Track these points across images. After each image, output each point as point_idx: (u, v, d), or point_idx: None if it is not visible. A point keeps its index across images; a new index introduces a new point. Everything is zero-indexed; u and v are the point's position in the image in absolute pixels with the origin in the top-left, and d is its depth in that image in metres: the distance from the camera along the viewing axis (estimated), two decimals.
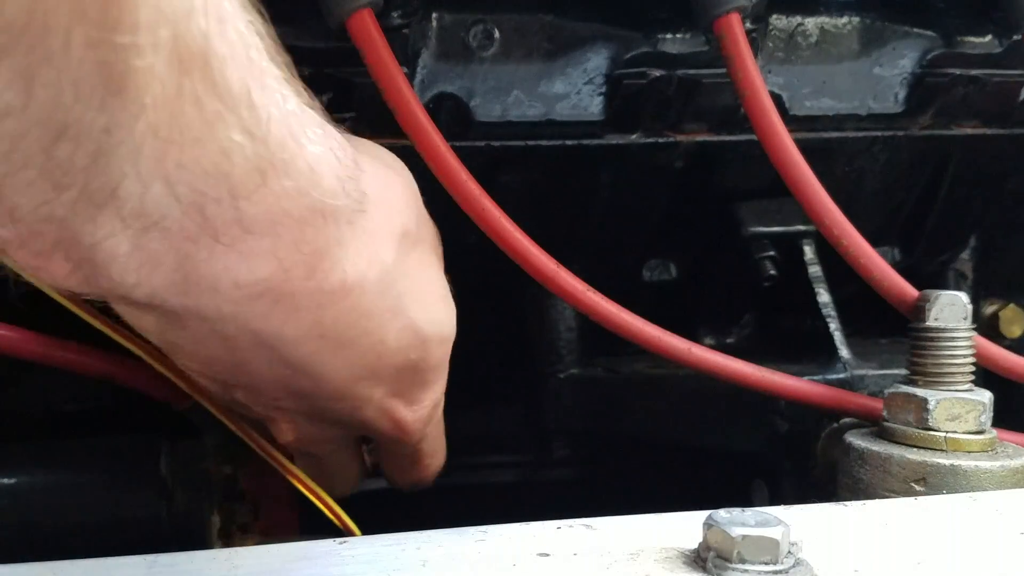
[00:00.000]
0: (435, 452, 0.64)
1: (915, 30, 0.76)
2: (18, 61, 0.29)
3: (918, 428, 0.58)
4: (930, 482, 0.56)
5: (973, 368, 0.61)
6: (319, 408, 0.53)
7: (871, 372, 0.70)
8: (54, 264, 0.37)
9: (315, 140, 0.40)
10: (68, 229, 0.35)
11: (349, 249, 0.44)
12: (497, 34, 0.69)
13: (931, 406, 0.58)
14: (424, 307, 0.52)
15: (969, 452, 0.57)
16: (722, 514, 0.39)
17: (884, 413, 0.61)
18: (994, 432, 0.59)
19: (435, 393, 0.56)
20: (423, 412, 0.56)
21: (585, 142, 0.72)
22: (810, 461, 0.68)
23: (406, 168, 0.54)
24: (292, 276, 0.42)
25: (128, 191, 0.34)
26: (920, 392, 0.59)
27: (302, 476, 0.61)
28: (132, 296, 0.39)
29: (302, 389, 0.50)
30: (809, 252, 0.77)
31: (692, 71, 0.71)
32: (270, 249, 0.40)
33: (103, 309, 0.54)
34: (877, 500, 0.52)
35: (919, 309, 0.62)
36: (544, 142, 0.71)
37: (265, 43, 0.37)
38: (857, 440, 0.60)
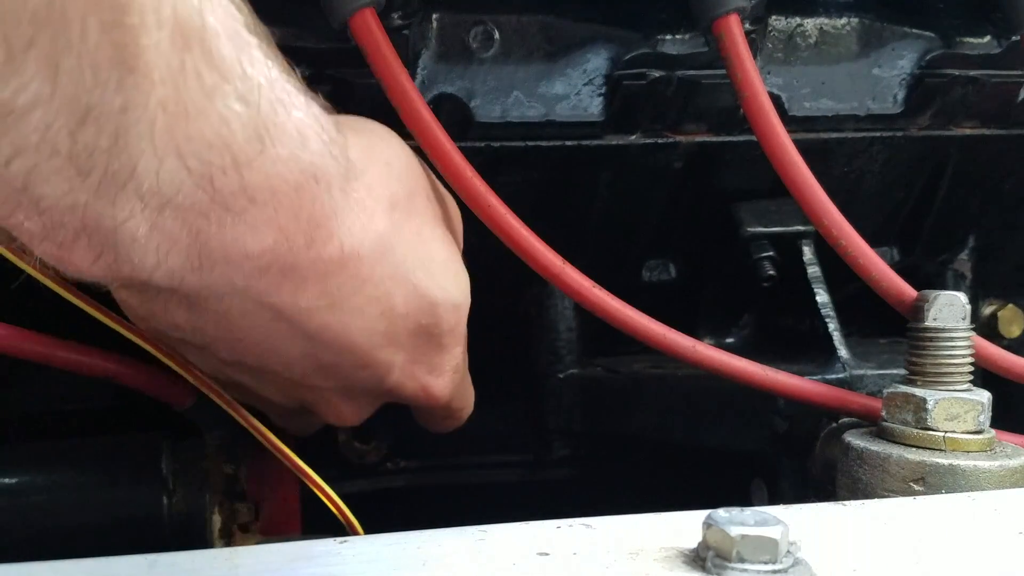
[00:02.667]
0: (464, 404, 0.66)
1: (914, 31, 0.76)
2: (43, 51, 0.32)
3: (917, 428, 0.58)
4: (929, 482, 0.56)
5: (972, 368, 0.61)
6: (348, 380, 0.55)
7: (870, 372, 0.69)
8: (78, 253, 0.39)
9: (299, 106, 0.43)
10: (91, 214, 0.37)
11: (344, 218, 0.47)
12: (497, 35, 0.69)
13: (930, 406, 0.58)
14: (429, 273, 0.54)
15: (968, 452, 0.57)
16: (721, 513, 0.39)
17: (883, 413, 0.61)
18: (993, 432, 0.59)
19: (455, 358, 0.59)
20: (446, 378, 0.59)
21: (585, 143, 0.72)
22: (809, 461, 0.68)
23: (397, 140, 0.56)
24: (294, 245, 0.44)
25: (145, 167, 0.37)
26: (919, 392, 0.59)
27: (309, 471, 0.61)
28: (153, 279, 0.42)
29: (328, 363, 0.53)
30: (808, 252, 0.77)
31: (691, 72, 0.71)
32: (272, 217, 0.42)
33: (111, 305, 0.54)
34: (876, 500, 0.52)
35: (918, 309, 0.62)
36: (544, 143, 0.71)
37: (245, 17, 0.40)
38: (856, 440, 0.60)
